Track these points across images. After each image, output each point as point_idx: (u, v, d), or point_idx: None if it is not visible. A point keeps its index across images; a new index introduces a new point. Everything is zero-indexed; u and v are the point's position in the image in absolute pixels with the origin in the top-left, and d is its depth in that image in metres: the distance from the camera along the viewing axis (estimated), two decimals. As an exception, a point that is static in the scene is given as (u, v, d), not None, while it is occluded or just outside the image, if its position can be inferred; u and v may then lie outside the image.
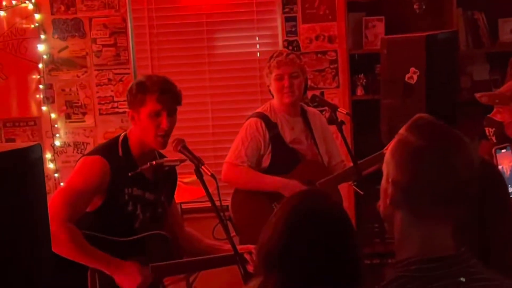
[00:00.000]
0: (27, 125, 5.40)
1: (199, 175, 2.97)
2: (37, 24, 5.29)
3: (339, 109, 3.84)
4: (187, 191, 4.31)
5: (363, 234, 5.25)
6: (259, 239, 1.69)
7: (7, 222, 1.52)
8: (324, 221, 1.65)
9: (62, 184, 4.94)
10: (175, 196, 3.55)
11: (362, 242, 4.91)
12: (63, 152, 5.40)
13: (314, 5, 5.37)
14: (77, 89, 5.39)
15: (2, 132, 5.40)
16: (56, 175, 5.36)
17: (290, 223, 1.65)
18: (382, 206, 1.73)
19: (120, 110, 5.31)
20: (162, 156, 3.33)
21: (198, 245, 3.46)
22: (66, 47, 5.35)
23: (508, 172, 3.24)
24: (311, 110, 4.17)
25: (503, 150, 3.28)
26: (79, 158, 3.22)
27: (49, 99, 5.35)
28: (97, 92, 5.39)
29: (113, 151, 3.17)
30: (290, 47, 5.31)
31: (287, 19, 5.39)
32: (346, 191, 4.86)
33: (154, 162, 3.13)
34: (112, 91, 5.39)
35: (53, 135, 5.36)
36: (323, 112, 4.30)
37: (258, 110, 4.10)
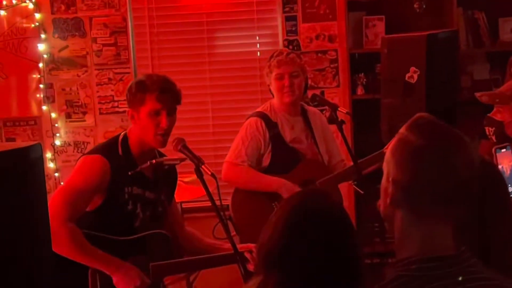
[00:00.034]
0: (27, 124, 5.40)
1: (199, 175, 2.97)
2: (37, 24, 5.30)
3: (339, 109, 3.83)
4: (187, 191, 4.31)
5: (363, 233, 5.25)
6: (259, 239, 1.69)
7: (7, 222, 1.52)
8: (324, 221, 1.65)
9: (62, 183, 4.94)
10: (175, 195, 3.55)
11: (362, 241, 4.90)
12: (63, 152, 5.40)
13: (315, 5, 5.37)
14: (77, 88, 5.39)
15: (2, 131, 5.40)
16: (56, 174, 5.36)
17: (290, 223, 1.65)
18: (382, 205, 1.73)
19: (120, 110, 5.31)
20: (162, 155, 3.34)
21: (198, 244, 3.46)
22: (67, 47, 5.35)
23: (508, 172, 3.25)
24: (311, 110, 4.17)
25: (503, 150, 3.28)
26: (79, 157, 3.22)
27: (49, 99, 5.35)
28: (98, 91, 5.39)
29: (113, 150, 3.17)
30: (291, 47, 5.31)
31: (287, 19, 5.39)
32: (346, 190, 4.86)
33: (154, 161, 3.13)
34: (112, 90, 5.39)
35: (54, 135, 5.37)
36: (324, 112, 4.31)
37: (258, 109, 4.10)
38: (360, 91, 5.46)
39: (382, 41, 4.53)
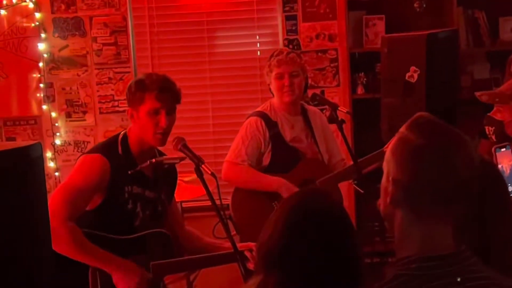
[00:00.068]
0: (27, 123, 5.40)
1: (199, 174, 2.97)
2: (37, 23, 5.30)
3: (339, 108, 3.83)
4: (187, 190, 4.31)
5: (364, 232, 5.26)
6: (259, 238, 1.69)
7: (7, 221, 1.52)
8: (324, 221, 1.65)
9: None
10: (175, 195, 3.55)
11: (362, 240, 4.91)
12: (63, 151, 5.40)
13: (315, 4, 5.37)
14: (77, 88, 5.39)
15: (2, 130, 5.40)
16: (56, 174, 5.36)
17: (290, 223, 1.64)
18: (382, 204, 1.73)
19: (121, 109, 5.31)
20: (162, 154, 3.34)
21: (198, 243, 3.46)
22: (67, 46, 5.35)
23: (508, 171, 3.25)
24: (312, 109, 4.17)
25: (503, 149, 3.28)
26: (79, 157, 3.22)
27: (49, 98, 5.35)
28: (98, 90, 5.39)
29: (112, 149, 3.17)
30: (291, 46, 5.31)
31: (287, 18, 5.39)
32: (346, 189, 4.86)
33: (153, 160, 3.12)
34: (112, 90, 5.39)
35: (54, 134, 5.37)
36: (324, 111, 4.31)
37: (258, 109, 4.10)
38: (360, 90, 5.46)
39: (382, 41, 4.53)
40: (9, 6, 5.26)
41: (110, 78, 5.38)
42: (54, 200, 2.97)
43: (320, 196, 1.72)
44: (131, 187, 3.17)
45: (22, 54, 5.33)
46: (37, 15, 5.29)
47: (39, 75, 5.33)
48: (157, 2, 5.41)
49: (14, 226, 1.54)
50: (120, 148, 3.19)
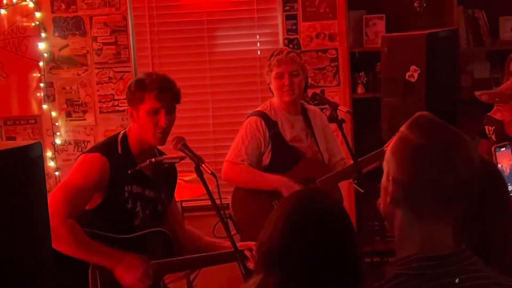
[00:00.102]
0: (27, 123, 5.40)
1: (199, 173, 2.97)
2: (37, 22, 5.30)
3: (339, 107, 3.83)
4: (187, 189, 4.31)
5: (364, 232, 5.26)
6: (259, 238, 1.69)
7: (7, 221, 1.52)
8: (325, 220, 1.64)
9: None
10: (175, 194, 3.55)
11: (362, 240, 4.91)
12: (63, 151, 5.40)
13: (315, 3, 5.37)
14: (77, 87, 5.39)
15: (2, 130, 5.40)
16: (56, 173, 5.36)
17: (290, 222, 1.64)
18: (383, 204, 1.73)
19: (121, 108, 5.31)
20: (162, 153, 3.34)
21: (198, 242, 3.46)
22: (67, 45, 5.35)
23: (508, 171, 3.24)
24: (312, 108, 4.17)
25: (503, 149, 3.28)
26: (78, 156, 3.22)
27: (49, 97, 5.35)
28: (98, 90, 5.39)
29: (112, 149, 3.17)
30: (291, 45, 5.30)
31: (287, 17, 5.39)
32: (346, 189, 4.86)
33: (153, 160, 3.12)
34: (112, 89, 5.39)
35: (54, 133, 5.37)
36: (324, 110, 4.31)
37: (258, 108, 4.10)
38: (360, 90, 5.46)
39: (382, 40, 4.54)
40: (9, 6, 5.26)
41: (110, 78, 5.38)
42: (53, 199, 2.96)
43: (320, 196, 1.72)
44: (131, 186, 3.17)
45: (22, 53, 5.33)
46: (37, 14, 5.29)
47: (39, 75, 5.33)
48: (157, 1, 5.41)
49: (14, 226, 1.54)
50: (119, 147, 3.19)
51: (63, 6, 5.32)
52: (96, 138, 5.34)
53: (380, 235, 5.32)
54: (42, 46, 5.29)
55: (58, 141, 5.38)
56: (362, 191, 3.95)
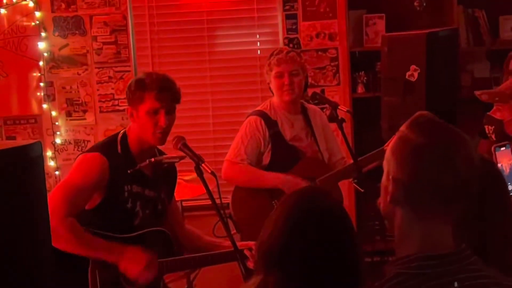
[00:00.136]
0: (27, 122, 5.40)
1: (199, 173, 2.97)
2: (37, 22, 5.29)
3: (339, 107, 3.83)
4: (187, 189, 4.31)
5: (364, 231, 5.26)
6: (259, 237, 1.69)
7: (7, 221, 1.52)
8: (325, 220, 1.64)
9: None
10: (175, 194, 3.55)
11: (362, 239, 4.91)
12: (63, 150, 5.40)
13: (315, 3, 5.37)
14: (77, 86, 5.39)
15: (2, 129, 5.40)
16: (57, 173, 5.36)
17: (290, 222, 1.64)
18: (383, 203, 1.73)
19: (121, 108, 5.31)
20: (161, 153, 3.34)
21: (198, 242, 3.46)
22: (67, 45, 5.35)
23: (508, 170, 3.24)
24: (312, 107, 4.17)
25: (503, 148, 3.28)
26: (78, 156, 3.22)
27: (49, 97, 5.35)
28: (98, 89, 5.39)
29: (112, 148, 3.17)
30: (291, 45, 5.30)
31: (287, 17, 5.39)
32: (346, 188, 4.86)
33: (153, 159, 3.12)
34: (112, 88, 5.39)
35: (54, 133, 5.36)
36: (324, 110, 4.31)
37: (258, 108, 4.10)
38: (360, 89, 5.46)
39: (382, 39, 4.54)
40: (9, 5, 5.26)
41: (110, 77, 5.38)
42: (52, 198, 2.96)
43: (320, 196, 1.72)
44: (130, 186, 3.17)
45: (22, 53, 5.33)
46: (37, 14, 5.28)
47: (39, 74, 5.33)
48: (157, 1, 5.41)
49: (14, 225, 1.54)
50: (119, 147, 3.19)
51: (63, 6, 5.32)
52: (96, 137, 5.34)
53: (380, 234, 5.32)
54: (42, 45, 5.29)
55: (58, 140, 5.38)
56: (362, 190, 3.95)
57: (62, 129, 5.39)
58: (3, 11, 5.27)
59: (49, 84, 5.35)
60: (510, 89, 3.70)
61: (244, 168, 3.94)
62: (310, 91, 4.17)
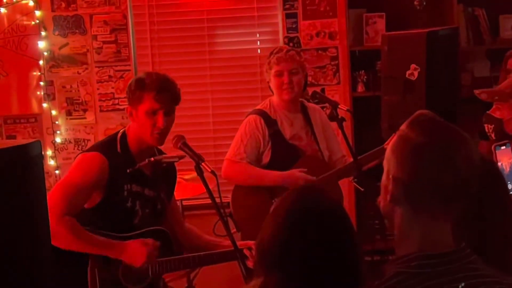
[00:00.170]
0: (27, 122, 5.40)
1: (199, 172, 2.97)
2: (37, 21, 5.29)
3: (339, 106, 3.83)
4: (187, 188, 4.31)
5: (364, 230, 5.26)
6: (258, 238, 1.69)
7: (6, 220, 1.52)
8: (324, 220, 1.64)
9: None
10: (175, 193, 3.55)
11: (362, 239, 4.91)
12: (64, 149, 5.40)
13: (315, 2, 5.37)
14: (77, 86, 5.39)
15: (2, 128, 5.40)
16: (57, 172, 5.36)
17: (290, 223, 1.64)
18: (383, 202, 1.73)
19: (121, 107, 5.31)
20: (161, 152, 3.33)
21: (197, 241, 3.46)
22: (67, 44, 5.35)
23: (508, 169, 3.25)
24: (312, 106, 4.17)
25: (503, 147, 3.28)
26: (77, 155, 3.22)
27: (49, 96, 5.35)
28: (98, 89, 5.39)
29: (111, 148, 3.17)
30: (291, 44, 5.30)
31: (287, 16, 5.39)
32: (346, 188, 4.86)
33: (152, 159, 3.12)
34: (112, 88, 5.39)
35: (54, 132, 5.36)
36: (324, 109, 4.31)
37: (258, 107, 4.10)
38: (360, 88, 5.46)
39: (382, 38, 4.53)
40: (9, 4, 5.26)
41: (110, 76, 5.38)
42: (51, 197, 2.96)
43: (319, 196, 1.71)
44: (130, 185, 3.17)
45: (22, 52, 5.33)
46: (37, 13, 5.28)
47: (39, 73, 5.33)
48: (157, 0, 5.41)
49: (13, 225, 1.54)
50: (119, 146, 3.18)
51: (63, 5, 5.32)
52: (96, 136, 5.34)
53: (380, 233, 5.32)
54: (42, 44, 5.29)
55: (58, 139, 5.38)
56: (362, 189, 3.95)
57: (62, 128, 5.39)
58: (3, 10, 5.27)
59: (49, 83, 5.35)
60: (509, 88, 3.70)
61: (244, 167, 3.93)
62: (310, 90, 4.17)
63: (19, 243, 1.56)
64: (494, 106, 3.99)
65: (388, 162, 1.70)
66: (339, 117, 3.79)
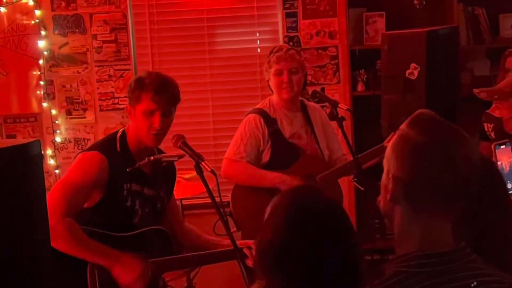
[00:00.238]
0: (27, 121, 5.40)
1: (199, 171, 2.96)
2: (37, 20, 5.29)
3: (339, 105, 3.83)
4: (187, 187, 4.31)
5: (364, 230, 5.26)
6: (258, 238, 1.69)
7: (6, 220, 1.52)
8: (324, 220, 1.64)
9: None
10: (175, 192, 3.55)
11: (362, 238, 4.91)
12: (63, 148, 5.40)
13: (315, 1, 5.37)
14: (77, 85, 5.39)
15: (2, 128, 5.40)
16: (57, 171, 5.36)
17: (289, 223, 1.64)
18: (383, 201, 1.73)
19: (121, 106, 5.31)
20: (161, 152, 3.33)
21: (197, 240, 3.46)
22: (67, 43, 5.35)
23: (507, 168, 3.24)
24: (312, 105, 4.17)
25: (502, 146, 3.28)
26: (77, 154, 3.22)
27: (49, 95, 5.35)
28: (98, 88, 5.39)
29: (111, 147, 3.17)
30: (291, 43, 5.30)
31: (287, 15, 5.39)
32: (346, 187, 4.86)
33: (152, 158, 3.12)
34: (112, 87, 5.39)
35: (54, 131, 5.37)
36: (324, 108, 4.31)
37: (257, 106, 4.10)
38: (360, 87, 5.46)
39: (382, 38, 4.52)
40: (9, 4, 5.26)
41: (110, 76, 5.38)
42: (51, 197, 2.96)
43: (318, 195, 1.71)
44: (130, 184, 3.17)
45: (22, 51, 5.33)
46: (37, 12, 5.28)
47: (39, 73, 5.33)
48: (157, -1, 5.42)
49: (13, 224, 1.54)
50: (118, 145, 3.18)
51: (63, 4, 5.32)
52: (96, 136, 5.34)
53: (380, 232, 5.32)
54: (42, 44, 5.29)
55: (58, 139, 5.38)
56: (362, 189, 3.95)
57: (62, 128, 5.39)
58: (3, 9, 5.27)
59: (49, 83, 5.35)
60: (508, 87, 3.70)
61: (243, 166, 3.93)
62: (310, 89, 4.17)
63: (19, 243, 1.55)
64: (493, 105, 3.98)
65: (388, 161, 1.70)
66: (339, 116, 3.79)
